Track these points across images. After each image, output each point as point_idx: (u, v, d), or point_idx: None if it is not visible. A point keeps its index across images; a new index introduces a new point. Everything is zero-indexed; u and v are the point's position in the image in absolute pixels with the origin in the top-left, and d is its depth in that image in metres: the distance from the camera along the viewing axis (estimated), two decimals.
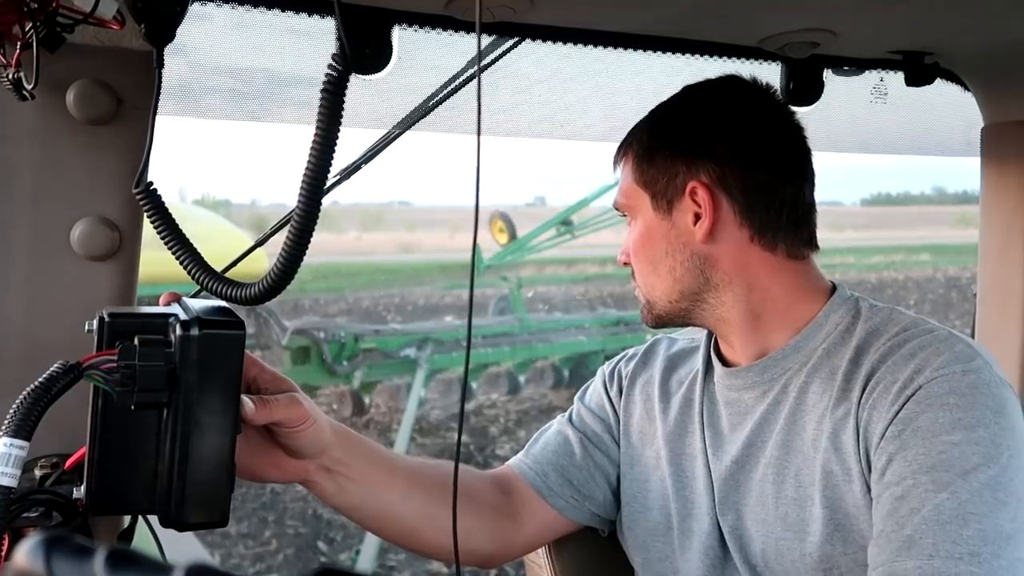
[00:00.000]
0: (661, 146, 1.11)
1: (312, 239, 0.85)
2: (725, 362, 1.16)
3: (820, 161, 1.14)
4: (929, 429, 0.91)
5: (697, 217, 1.07)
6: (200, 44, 1.18)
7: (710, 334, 1.21)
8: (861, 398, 0.98)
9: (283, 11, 1.13)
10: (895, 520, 0.89)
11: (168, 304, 0.93)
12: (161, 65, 0.96)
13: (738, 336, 1.11)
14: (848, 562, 0.97)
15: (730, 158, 1.07)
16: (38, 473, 1.01)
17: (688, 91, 1.15)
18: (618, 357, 1.35)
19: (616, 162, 1.18)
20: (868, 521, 0.95)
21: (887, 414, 0.95)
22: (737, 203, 1.07)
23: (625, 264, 1.18)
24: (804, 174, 1.11)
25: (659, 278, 1.12)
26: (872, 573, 0.90)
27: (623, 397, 1.28)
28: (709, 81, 1.15)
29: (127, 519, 1.04)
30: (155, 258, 1.18)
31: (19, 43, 0.90)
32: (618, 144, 1.19)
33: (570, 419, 1.31)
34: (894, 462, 0.92)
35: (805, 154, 1.12)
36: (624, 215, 1.17)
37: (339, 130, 0.82)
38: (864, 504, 0.96)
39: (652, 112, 1.16)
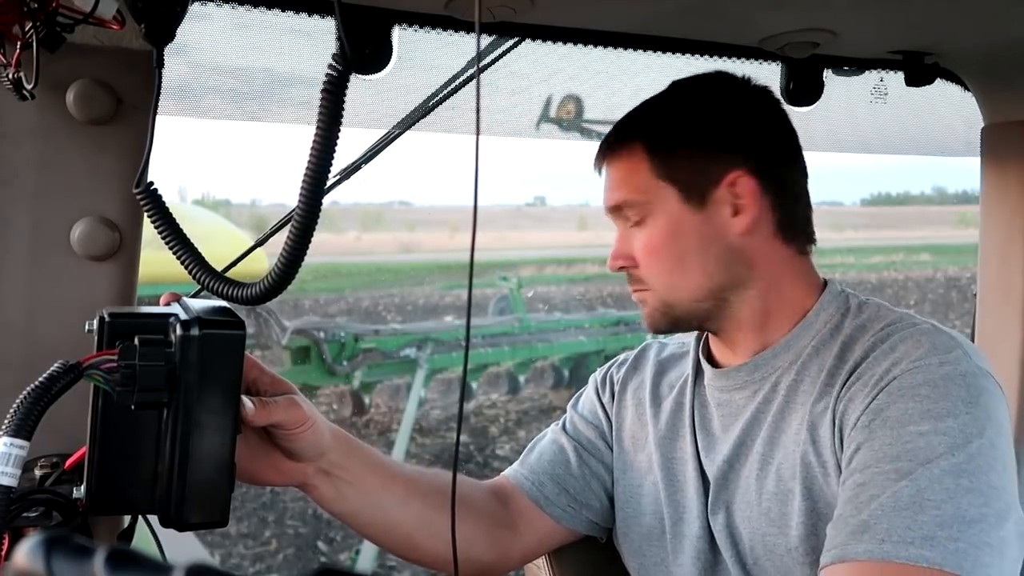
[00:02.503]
0: (686, 137, 1.08)
1: (312, 239, 0.85)
2: (715, 364, 1.16)
3: (820, 161, 1.14)
4: (898, 419, 0.91)
5: (735, 209, 1.06)
6: (200, 44, 1.18)
7: (699, 337, 1.21)
8: (840, 391, 0.99)
9: (283, 11, 1.13)
10: (854, 505, 0.90)
11: (168, 304, 0.93)
12: (161, 65, 0.96)
13: (746, 335, 1.10)
14: None
15: (760, 150, 1.07)
16: (38, 473, 1.01)
17: (694, 85, 1.14)
18: (609, 363, 1.35)
19: (608, 158, 1.12)
20: None
21: (861, 405, 0.95)
22: (768, 195, 1.07)
23: (621, 268, 1.12)
24: (807, 171, 1.14)
25: (685, 276, 1.07)
26: (824, 555, 0.90)
27: (615, 402, 1.28)
28: (704, 75, 1.14)
29: (127, 519, 1.04)
30: (155, 258, 1.18)
31: (19, 43, 0.90)
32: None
33: (564, 427, 1.30)
34: (861, 451, 0.92)
35: (801, 150, 1.14)
36: (622, 215, 1.11)
37: (339, 130, 0.82)
38: None
39: (654, 107, 1.13)
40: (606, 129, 1.19)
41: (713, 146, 1.07)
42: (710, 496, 1.10)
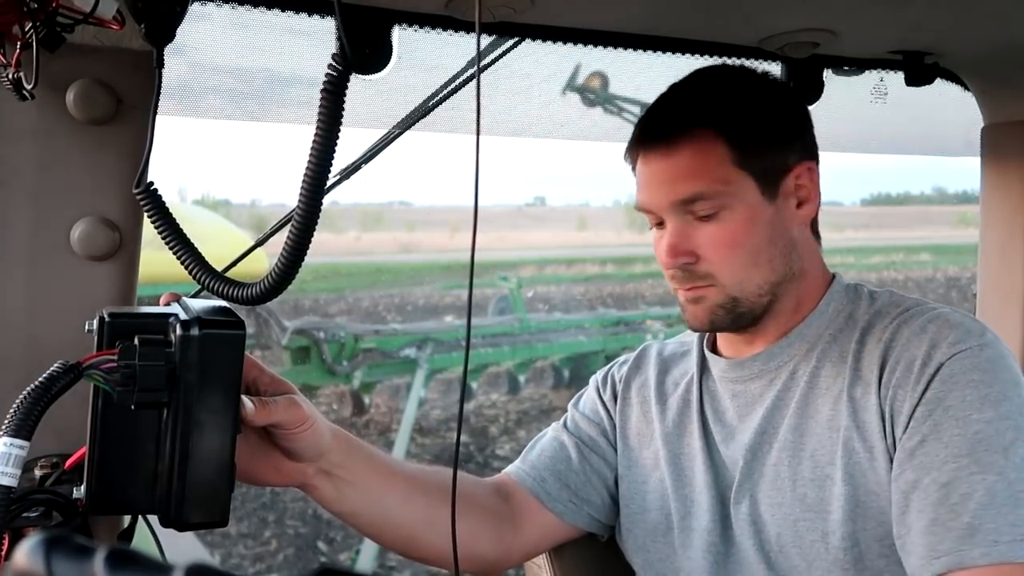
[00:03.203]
0: (761, 126, 1.06)
1: (312, 239, 0.85)
2: (722, 356, 1.17)
3: (820, 161, 1.14)
4: (960, 408, 0.93)
5: (799, 201, 1.08)
6: (200, 44, 1.18)
7: (703, 333, 1.21)
8: (882, 377, 1.00)
9: (283, 11, 1.13)
10: (948, 508, 0.90)
11: (168, 304, 0.93)
12: (161, 65, 0.96)
13: (776, 325, 1.11)
14: (868, 538, 0.98)
15: (811, 143, 1.11)
16: (38, 473, 1.01)
17: (748, 75, 1.13)
18: (609, 365, 1.35)
19: (672, 147, 1.05)
20: (888, 498, 0.97)
21: (913, 394, 0.96)
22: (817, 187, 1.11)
23: (688, 264, 1.06)
24: None
25: (758, 269, 1.05)
26: (935, 563, 0.90)
27: (618, 401, 1.29)
28: (747, 68, 1.15)
29: (127, 519, 1.04)
30: (155, 258, 1.18)
31: (19, 43, 0.90)
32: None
33: (565, 425, 1.31)
34: (928, 443, 0.93)
35: None
36: (692, 209, 1.04)
37: (339, 130, 0.82)
38: (886, 482, 0.97)
39: (717, 91, 1.09)
40: (632, 107, 1.19)
41: (784, 137, 1.08)
42: (734, 485, 1.10)
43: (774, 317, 1.10)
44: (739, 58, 1.36)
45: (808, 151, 1.10)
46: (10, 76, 0.95)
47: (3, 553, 0.75)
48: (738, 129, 1.04)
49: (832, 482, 1.01)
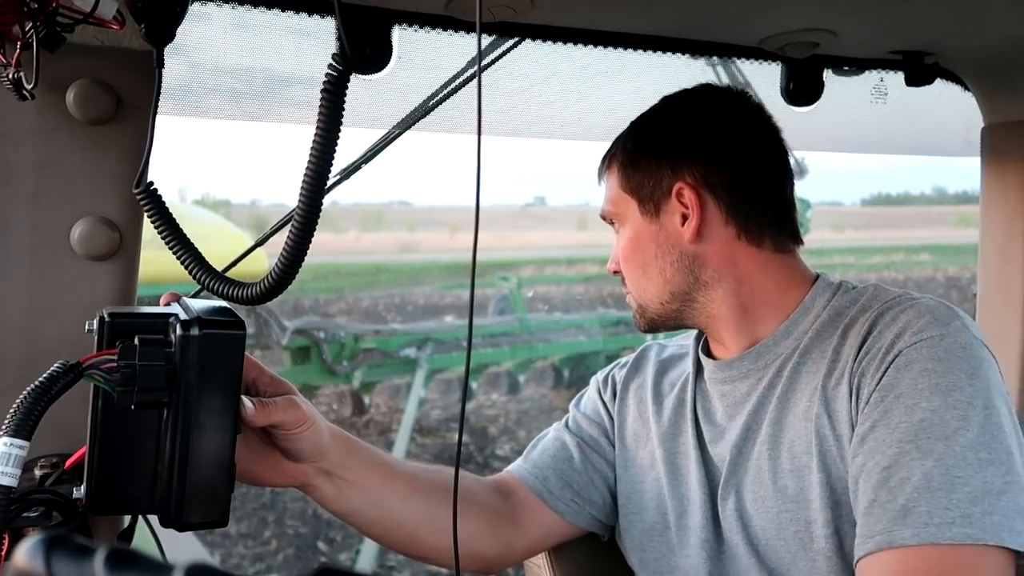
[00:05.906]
0: (645, 152, 1.14)
1: (312, 239, 0.85)
2: (715, 359, 1.18)
3: (820, 161, 1.15)
4: (910, 395, 0.94)
5: (684, 218, 1.10)
6: (200, 44, 1.18)
7: (699, 336, 1.23)
8: (853, 366, 1.01)
9: (283, 11, 1.13)
10: (887, 490, 0.91)
11: (168, 304, 0.93)
12: (161, 65, 0.96)
13: (729, 330, 1.14)
14: (845, 524, 0.99)
15: (712, 159, 1.10)
16: (38, 473, 1.01)
17: (667, 100, 1.19)
18: (609, 366, 1.37)
19: (601, 173, 1.21)
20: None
21: (873, 380, 0.97)
22: (722, 201, 1.10)
23: (615, 272, 1.21)
24: (784, 173, 1.15)
25: (650, 281, 1.14)
26: (868, 542, 0.92)
27: (617, 401, 1.30)
28: (686, 90, 1.19)
29: (127, 519, 1.04)
30: (155, 258, 1.18)
31: (19, 43, 0.90)
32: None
33: (567, 425, 1.32)
34: (877, 428, 0.95)
35: (783, 154, 1.15)
36: (612, 223, 1.20)
37: (339, 130, 0.82)
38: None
39: (634, 122, 1.19)
40: (745, 72, 1.36)
41: (666, 158, 1.12)
42: (720, 482, 1.11)
43: (717, 321, 1.13)
44: (739, 58, 1.37)
45: (700, 168, 1.09)
46: (10, 76, 0.95)
47: (3, 553, 0.75)
48: (626, 157, 1.15)
49: (809, 471, 1.02)
